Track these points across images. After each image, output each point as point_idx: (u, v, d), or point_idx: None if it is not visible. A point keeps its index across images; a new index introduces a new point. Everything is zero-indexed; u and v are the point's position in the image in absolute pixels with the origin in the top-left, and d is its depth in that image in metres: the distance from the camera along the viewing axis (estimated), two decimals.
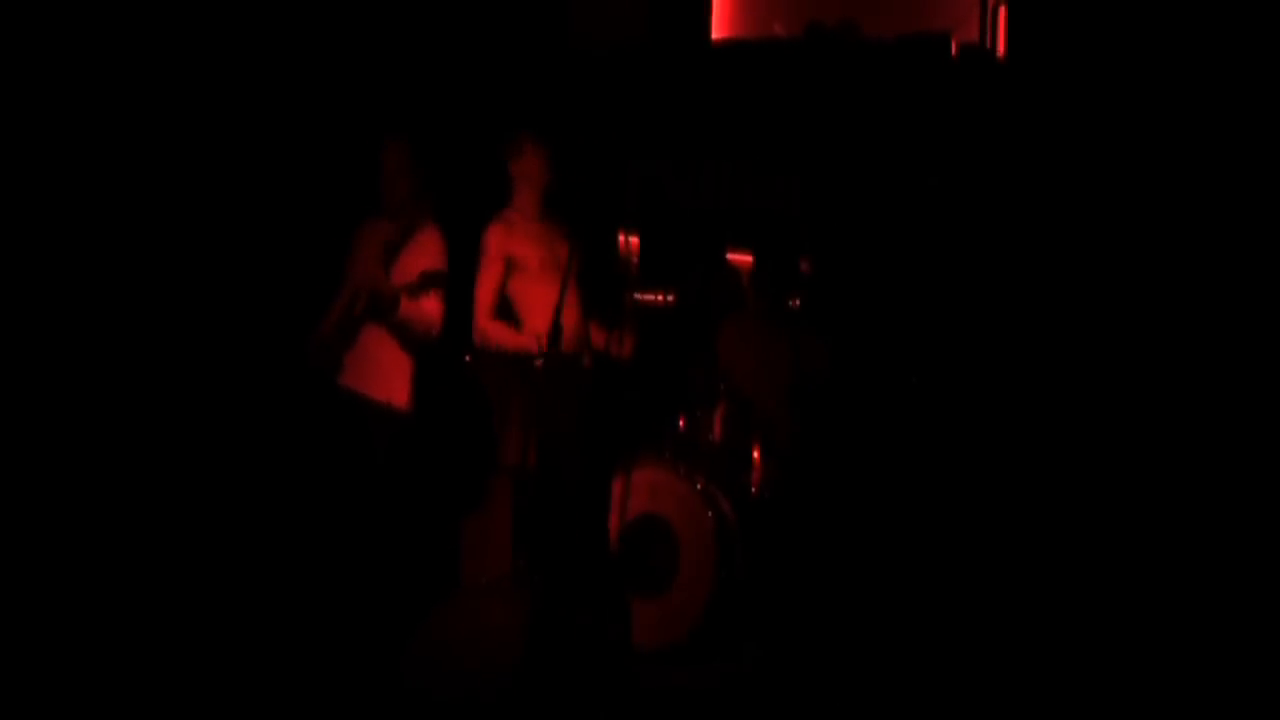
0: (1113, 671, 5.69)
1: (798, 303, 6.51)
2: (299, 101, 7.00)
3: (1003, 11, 7.34)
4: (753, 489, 6.53)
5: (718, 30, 7.86)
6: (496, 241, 5.85)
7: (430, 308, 5.82)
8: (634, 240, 6.58)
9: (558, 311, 5.47)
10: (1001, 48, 7.35)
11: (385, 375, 5.89)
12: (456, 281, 5.89)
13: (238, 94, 6.81)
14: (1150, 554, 6.29)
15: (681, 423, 6.61)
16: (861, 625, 6.39)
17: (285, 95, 6.96)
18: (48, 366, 6.19)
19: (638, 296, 6.74)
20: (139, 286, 6.49)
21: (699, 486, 6.27)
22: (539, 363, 5.60)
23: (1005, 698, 5.51)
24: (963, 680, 5.65)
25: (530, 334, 5.72)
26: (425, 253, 5.89)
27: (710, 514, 6.20)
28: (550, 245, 5.89)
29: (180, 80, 6.64)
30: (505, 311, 5.89)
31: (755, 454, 6.60)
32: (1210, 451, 6.33)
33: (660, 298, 7.17)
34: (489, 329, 5.82)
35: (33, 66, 6.23)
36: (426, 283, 5.73)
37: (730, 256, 7.33)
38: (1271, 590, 5.97)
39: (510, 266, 5.83)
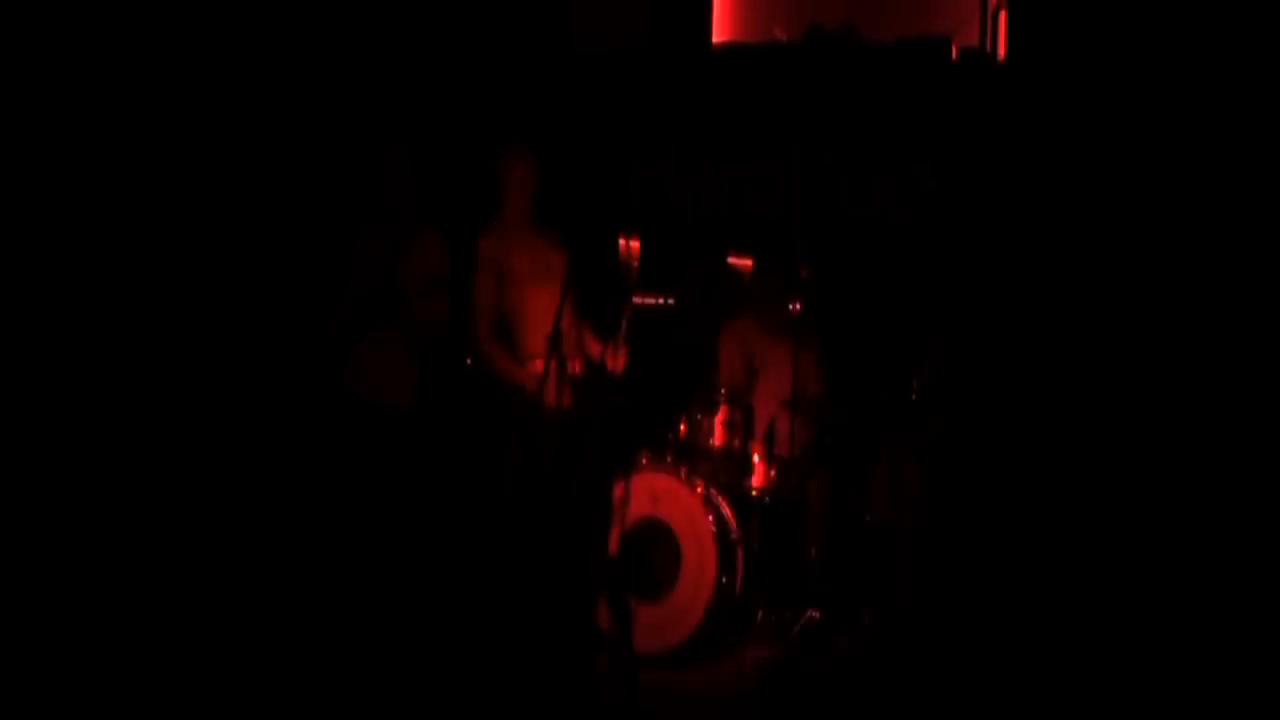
0: (1099, 670, 5.70)
1: (798, 307, 6.52)
2: (299, 104, 7.01)
3: (1003, 15, 7.35)
4: (753, 493, 6.55)
5: (719, 34, 7.86)
6: (487, 253, 5.84)
7: (434, 311, 5.82)
8: (634, 244, 6.58)
9: (557, 320, 5.49)
10: (1002, 51, 7.36)
11: (390, 377, 5.90)
12: (460, 284, 5.90)
13: (238, 98, 6.82)
14: (1149, 555, 6.29)
15: (682, 427, 6.63)
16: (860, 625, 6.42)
17: (285, 98, 6.97)
18: (55, 372, 6.21)
19: (638, 300, 6.74)
20: (142, 290, 6.51)
21: (700, 490, 6.28)
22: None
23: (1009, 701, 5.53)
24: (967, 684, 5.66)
25: (528, 372, 5.71)
26: (427, 256, 5.89)
27: (711, 518, 6.21)
28: (542, 253, 5.89)
29: (182, 86, 6.65)
30: (500, 325, 5.89)
31: (755, 458, 6.61)
32: (1214, 453, 6.33)
33: (661, 301, 7.18)
34: (492, 352, 5.80)
35: (34, 70, 6.24)
36: (429, 286, 5.74)
37: (731, 260, 7.34)
38: None
39: (502, 277, 5.82)
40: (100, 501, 6.25)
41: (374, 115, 7.03)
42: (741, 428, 6.61)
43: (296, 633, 5.76)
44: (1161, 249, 6.56)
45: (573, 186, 7.25)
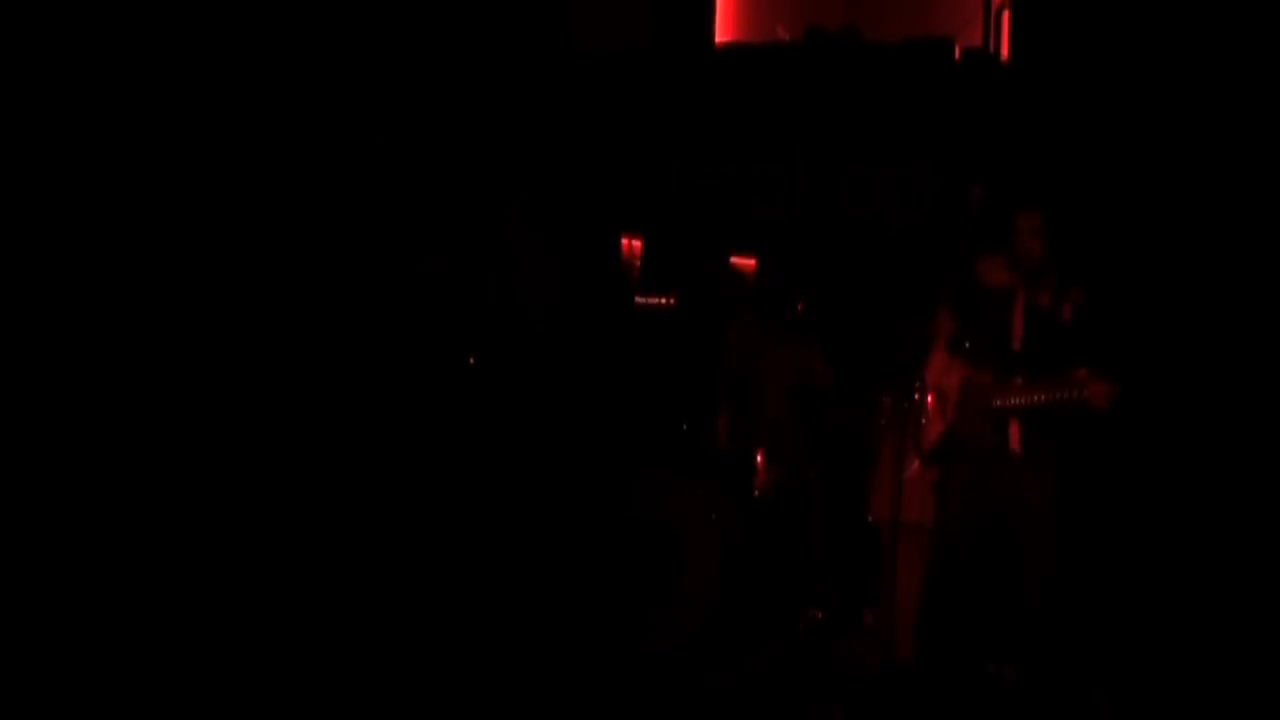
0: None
1: (801, 307, 6.52)
2: (298, 104, 7.03)
3: (1006, 16, 7.34)
4: (756, 493, 6.55)
5: (721, 34, 7.87)
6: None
7: None
8: (636, 244, 6.60)
9: (556, 325, 5.52)
10: (1005, 52, 7.35)
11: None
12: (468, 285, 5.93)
13: (234, 99, 6.85)
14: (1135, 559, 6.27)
15: (685, 427, 6.63)
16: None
17: (283, 97, 6.99)
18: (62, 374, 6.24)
19: (639, 300, 6.77)
20: (151, 293, 6.54)
21: (700, 490, 6.29)
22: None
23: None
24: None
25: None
26: None
27: (714, 517, 6.21)
28: (544, 258, 5.93)
29: (185, 86, 6.68)
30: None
31: (759, 458, 6.61)
32: (1222, 461, 6.30)
33: (661, 301, 7.18)
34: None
35: (43, 74, 6.27)
36: None
37: (733, 260, 7.35)
38: None
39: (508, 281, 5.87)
40: (109, 498, 6.28)
41: (373, 116, 7.03)
42: (745, 427, 6.62)
43: (297, 630, 5.78)
44: (1164, 248, 6.55)
45: (574, 186, 7.26)
